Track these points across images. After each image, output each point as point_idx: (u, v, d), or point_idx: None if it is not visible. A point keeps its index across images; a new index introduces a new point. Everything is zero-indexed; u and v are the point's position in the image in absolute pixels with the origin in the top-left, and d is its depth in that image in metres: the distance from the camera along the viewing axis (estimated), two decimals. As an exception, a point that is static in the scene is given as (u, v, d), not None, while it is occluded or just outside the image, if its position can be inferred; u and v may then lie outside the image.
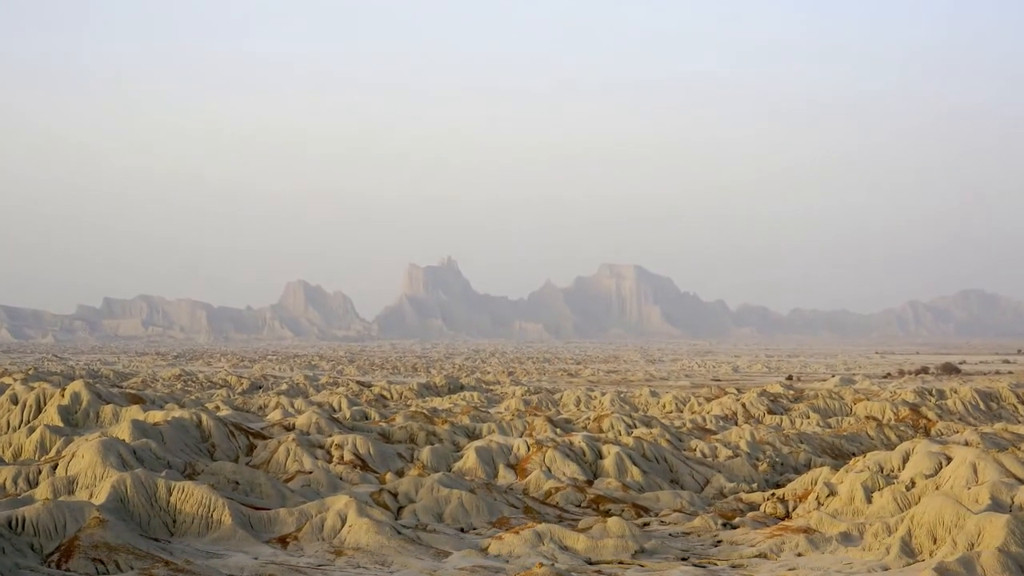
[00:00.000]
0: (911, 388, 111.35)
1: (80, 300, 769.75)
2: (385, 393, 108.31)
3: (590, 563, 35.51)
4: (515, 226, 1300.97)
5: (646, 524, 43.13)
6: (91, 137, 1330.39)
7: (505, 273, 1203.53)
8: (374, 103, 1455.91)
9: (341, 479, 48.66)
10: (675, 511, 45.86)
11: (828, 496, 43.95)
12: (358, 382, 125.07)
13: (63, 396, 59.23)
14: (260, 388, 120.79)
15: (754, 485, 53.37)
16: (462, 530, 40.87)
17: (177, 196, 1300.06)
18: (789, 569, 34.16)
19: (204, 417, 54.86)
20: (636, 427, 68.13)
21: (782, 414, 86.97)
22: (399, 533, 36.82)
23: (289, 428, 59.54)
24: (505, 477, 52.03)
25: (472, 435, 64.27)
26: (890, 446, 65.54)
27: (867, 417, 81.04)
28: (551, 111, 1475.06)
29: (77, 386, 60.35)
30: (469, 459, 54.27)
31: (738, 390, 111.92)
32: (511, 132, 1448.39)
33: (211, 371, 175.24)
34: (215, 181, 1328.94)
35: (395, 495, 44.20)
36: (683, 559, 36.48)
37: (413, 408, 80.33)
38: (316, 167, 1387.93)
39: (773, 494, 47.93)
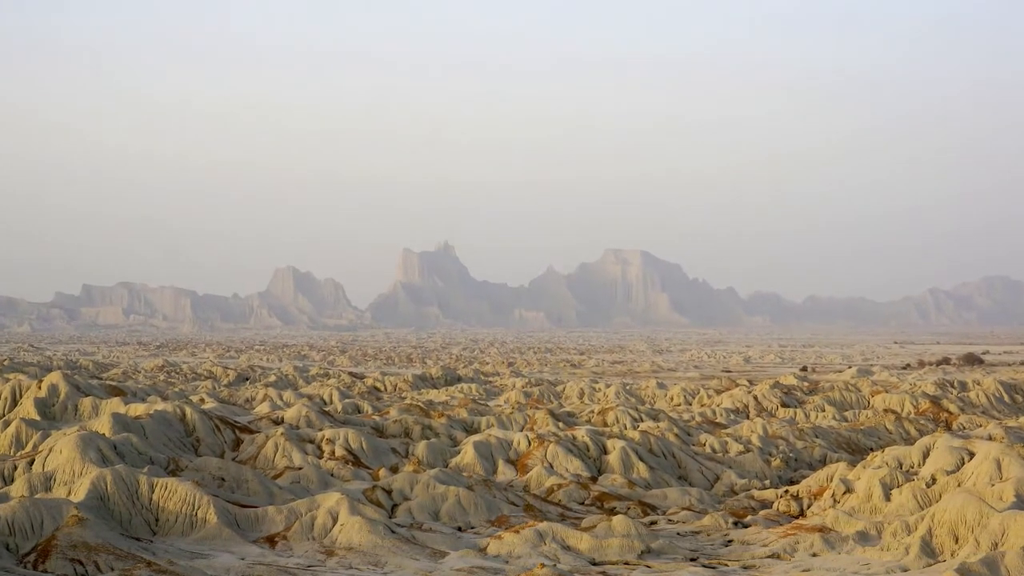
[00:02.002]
0: (932, 380, 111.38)
1: (58, 287, 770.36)
2: (378, 385, 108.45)
3: (594, 564, 35.56)
4: (515, 209, 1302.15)
5: (653, 523, 43.16)
6: (69, 116, 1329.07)
7: (505, 259, 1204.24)
8: (367, 80, 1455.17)
9: (332, 475, 48.60)
10: (683, 509, 45.91)
11: (844, 493, 43.95)
12: (350, 373, 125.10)
13: (40, 388, 59.15)
14: (247, 380, 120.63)
15: (766, 482, 53.36)
16: (459, 529, 40.89)
17: (160, 178, 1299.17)
18: (803, 570, 34.19)
19: (188, 410, 54.79)
20: (642, 421, 68.21)
21: (796, 407, 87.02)
22: (393, 532, 36.83)
23: (278, 422, 59.53)
24: (505, 473, 51.99)
25: (470, 429, 64.37)
26: (910, 441, 65.55)
27: (885, 410, 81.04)
28: (554, 88, 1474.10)
29: (54, 378, 60.28)
30: (467, 454, 54.28)
31: (750, 382, 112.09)
32: (511, 111, 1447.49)
33: (195, 362, 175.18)
34: (200, 163, 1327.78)
35: (389, 492, 44.21)
36: (692, 559, 36.50)
37: (408, 401, 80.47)
38: (306, 148, 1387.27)
39: (787, 491, 47.94)
